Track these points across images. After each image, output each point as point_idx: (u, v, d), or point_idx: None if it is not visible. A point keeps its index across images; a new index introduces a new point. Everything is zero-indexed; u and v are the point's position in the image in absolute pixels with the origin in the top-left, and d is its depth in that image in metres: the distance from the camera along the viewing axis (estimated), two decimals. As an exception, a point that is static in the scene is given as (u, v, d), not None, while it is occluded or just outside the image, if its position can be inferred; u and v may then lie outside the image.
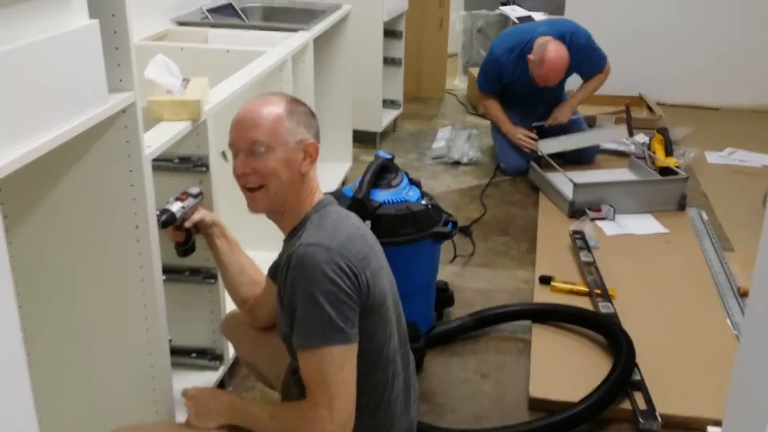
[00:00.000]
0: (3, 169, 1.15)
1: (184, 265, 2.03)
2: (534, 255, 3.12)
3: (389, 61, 4.51)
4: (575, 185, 3.37)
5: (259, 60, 2.48)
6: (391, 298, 1.56)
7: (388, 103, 4.56)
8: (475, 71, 5.33)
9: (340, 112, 3.75)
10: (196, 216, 1.83)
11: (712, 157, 4.25)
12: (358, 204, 2.28)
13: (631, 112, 3.97)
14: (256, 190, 1.59)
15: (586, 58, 3.86)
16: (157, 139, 1.70)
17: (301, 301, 1.44)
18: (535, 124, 3.94)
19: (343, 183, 3.71)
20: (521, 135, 3.87)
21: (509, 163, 3.98)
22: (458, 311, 2.70)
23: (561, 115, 3.93)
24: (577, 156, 3.94)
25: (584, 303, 2.69)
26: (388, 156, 2.45)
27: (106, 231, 1.63)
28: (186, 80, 1.97)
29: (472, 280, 2.97)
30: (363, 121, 4.23)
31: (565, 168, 3.61)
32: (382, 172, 2.42)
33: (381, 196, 2.36)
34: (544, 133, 3.96)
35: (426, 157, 4.25)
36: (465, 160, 4.15)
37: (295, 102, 1.63)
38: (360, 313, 1.46)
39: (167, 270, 1.88)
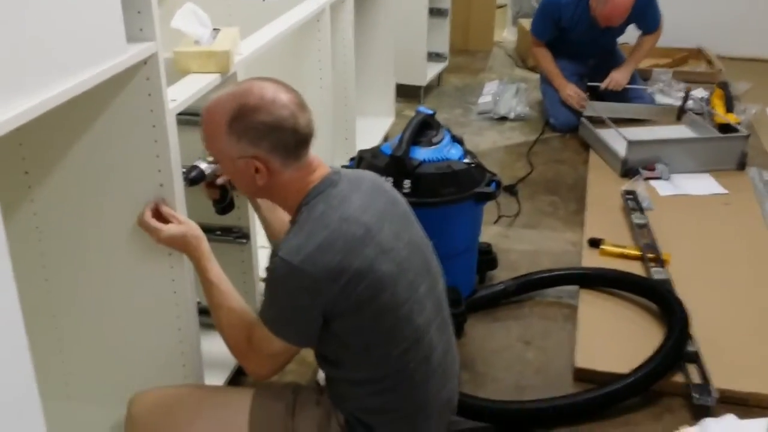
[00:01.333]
0: (8, 123, 1.06)
1: (215, 224, 1.95)
2: (583, 216, 2.98)
3: (435, 12, 4.34)
4: (629, 142, 3.19)
5: (295, 9, 2.35)
6: (403, 280, 1.40)
7: (432, 56, 4.40)
8: (525, 23, 5.12)
9: (382, 64, 3.61)
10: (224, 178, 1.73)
11: (775, 113, 4.01)
12: (397, 162, 2.17)
13: (689, 97, 3.71)
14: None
15: (649, 8, 3.67)
16: (182, 93, 1.61)
17: (264, 291, 1.41)
18: (590, 83, 3.75)
19: (385, 138, 3.59)
20: (572, 92, 3.69)
21: (559, 119, 3.81)
22: (502, 274, 2.59)
23: (620, 76, 3.74)
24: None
25: (636, 268, 2.54)
26: (430, 112, 2.32)
27: (130, 189, 1.55)
28: (216, 30, 1.86)
29: (517, 242, 2.85)
30: (406, 75, 4.09)
31: (617, 124, 3.43)
32: (423, 129, 2.30)
33: (421, 154, 2.24)
34: (598, 95, 3.78)
35: (471, 113, 4.09)
36: (512, 115, 3.99)
37: (248, 108, 1.34)
38: (340, 313, 1.36)
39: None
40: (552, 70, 3.78)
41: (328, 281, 1.33)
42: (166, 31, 1.51)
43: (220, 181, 1.71)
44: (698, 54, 4.61)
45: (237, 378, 1.95)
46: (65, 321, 1.72)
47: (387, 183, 1.56)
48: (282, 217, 1.71)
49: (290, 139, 1.37)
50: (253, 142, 1.35)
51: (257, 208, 1.72)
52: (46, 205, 1.60)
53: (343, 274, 1.33)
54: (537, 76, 4.57)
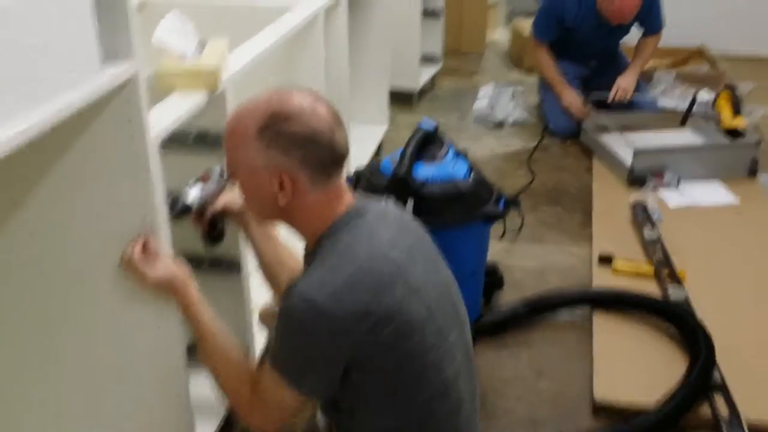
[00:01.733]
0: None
1: (204, 255, 1.79)
2: (589, 228, 2.84)
3: (428, 13, 4.19)
4: (635, 151, 3.05)
5: (287, 16, 2.19)
6: (432, 324, 1.25)
7: (426, 59, 4.25)
8: (519, 23, 4.99)
9: (376, 70, 3.46)
10: (220, 202, 1.57)
11: (781, 115, 3.89)
12: (400, 182, 2.01)
13: (695, 102, 3.54)
14: None
15: (654, 7, 3.56)
16: (166, 116, 1.45)
17: (277, 334, 1.24)
18: (594, 97, 3.58)
19: (379, 147, 3.44)
20: (572, 100, 3.54)
21: (559, 125, 3.67)
22: (508, 294, 2.44)
23: (626, 84, 3.57)
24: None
25: (650, 286, 2.41)
26: (432, 125, 2.17)
27: (109, 224, 1.38)
28: (202, 43, 1.70)
29: (522, 258, 2.70)
30: (399, 79, 3.94)
31: (620, 129, 3.29)
32: (426, 143, 2.14)
33: (424, 171, 2.08)
34: (602, 104, 3.65)
35: (468, 118, 3.95)
36: (510, 120, 3.85)
37: (284, 116, 1.21)
38: (363, 359, 1.21)
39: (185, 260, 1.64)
40: (554, 77, 3.64)
41: (354, 323, 1.17)
42: (147, 42, 1.35)
43: (210, 212, 1.55)
44: (700, 54, 4.49)
45: (228, 426, 1.79)
46: (26, 369, 1.55)
47: (410, 216, 1.41)
48: (278, 250, 1.55)
49: (326, 154, 1.23)
50: (284, 151, 1.21)
51: (251, 239, 1.56)
52: (12, 245, 1.43)
53: (370, 315, 1.17)
54: (533, 79, 4.44)
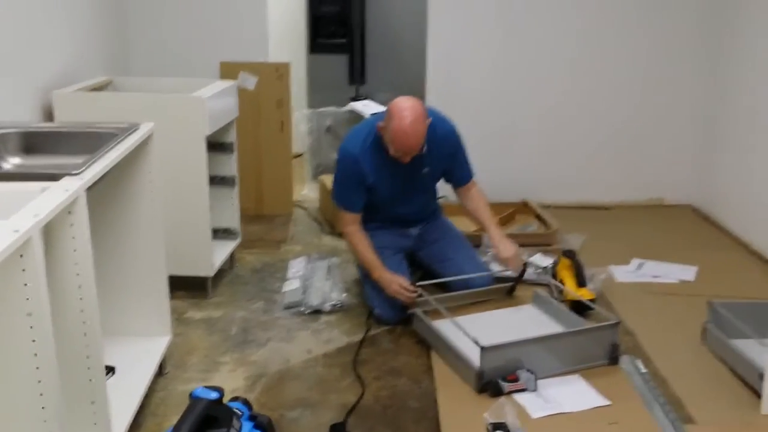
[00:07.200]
0: None
1: None
2: (442, 462, 2.19)
3: (219, 181, 3.54)
4: (483, 349, 2.48)
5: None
6: None
7: (220, 233, 3.57)
8: (327, 179, 4.46)
9: (150, 261, 2.68)
10: None
11: (620, 274, 3.55)
12: None
13: (525, 271, 3.18)
14: None
15: (458, 152, 3.20)
16: None
17: None
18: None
19: (162, 365, 2.64)
20: (398, 287, 2.97)
21: (385, 310, 3.07)
22: None
23: (508, 249, 3.12)
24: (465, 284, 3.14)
25: None
26: (214, 395, 1.45)
27: None
28: None
29: None
30: (188, 264, 3.21)
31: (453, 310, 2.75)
32: (204, 428, 1.41)
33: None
34: (424, 268, 3.15)
35: (276, 307, 3.24)
36: (327, 307, 3.19)
37: None
38: None
39: None
40: (371, 260, 3.06)
41: None
42: None
43: None
44: (525, 208, 4.16)
45: None
46: None
47: None
48: None
49: None
50: None
51: None
52: None
53: None
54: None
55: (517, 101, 4.44)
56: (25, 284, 1.58)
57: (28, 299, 1.59)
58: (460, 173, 3.26)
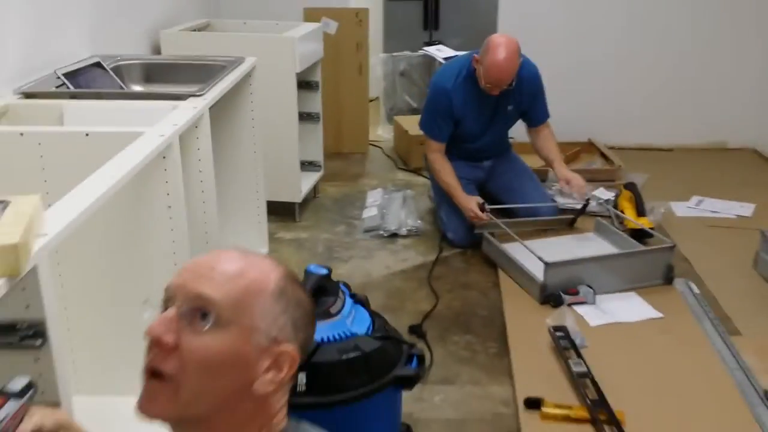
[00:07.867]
0: None
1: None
2: (507, 358, 2.49)
3: (305, 117, 3.85)
4: (546, 265, 2.75)
5: (130, 149, 1.75)
6: None
7: (306, 165, 3.88)
8: (400, 120, 4.74)
9: (249, 185, 3.04)
10: (27, 425, 1.09)
11: (680, 209, 3.75)
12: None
13: (588, 203, 3.37)
14: (160, 379, 0.95)
15: (539, 94, 3.41)
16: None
17: None
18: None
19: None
20: (475, 211, 3.22)
21: (458, 234, 3.35)
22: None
23: (572, 176, 3.32)
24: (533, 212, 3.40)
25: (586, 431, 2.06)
26: (324, 271, 1.76)
27: None
28: (3, 203, 1.24)
29: (437, 407, 2.29)
30: (278, 191, 3.54)
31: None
32: (316, 296, 1.73)
33: (317, 332, 1.66)
34: (495, 201, 3.41)
35: (356, 230, 3.57)
36: (404, 231, 3.50)
37: (295, 284, 1.07)
38: None
39: None
40: (452, 183, 3.32)
41: None
42: None
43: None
44: (590, 147, 4.35)
45: None
46: None
47: None
48: None
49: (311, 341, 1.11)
50: (294, 327, 1.02)
51: None
52: None
53: None
54: (422, 180, 4.17)
55: (585, 45, 4.59)
56: (166, 181, 1.92)
57: (168, 194, 1.94)
58: (537, 114, 3.47)
